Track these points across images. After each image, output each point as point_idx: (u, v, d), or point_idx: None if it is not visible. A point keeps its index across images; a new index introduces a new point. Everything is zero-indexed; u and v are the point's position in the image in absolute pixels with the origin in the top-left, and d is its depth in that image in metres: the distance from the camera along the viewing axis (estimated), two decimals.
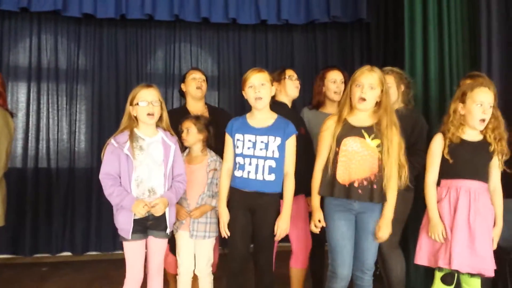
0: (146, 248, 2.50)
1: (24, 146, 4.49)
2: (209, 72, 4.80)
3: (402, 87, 3.02)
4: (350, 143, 2.41)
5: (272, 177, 2.51)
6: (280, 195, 2.56)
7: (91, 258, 4.51)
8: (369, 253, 2.44)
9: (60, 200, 4.52)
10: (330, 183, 2.42)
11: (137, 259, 2.46)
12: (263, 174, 2.50)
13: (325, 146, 2.47)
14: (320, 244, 3.02)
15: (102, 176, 2.42)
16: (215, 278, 2.85)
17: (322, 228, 2.47)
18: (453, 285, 2.50)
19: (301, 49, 5.08)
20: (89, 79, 4.70)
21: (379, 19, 4.76)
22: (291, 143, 2.56)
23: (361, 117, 2.47)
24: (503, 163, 2.50)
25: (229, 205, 2.57)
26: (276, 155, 2.51)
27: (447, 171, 2.51)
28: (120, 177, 2.42)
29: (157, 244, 2.50)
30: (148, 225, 2.46)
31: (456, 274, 2.47)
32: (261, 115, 2.59)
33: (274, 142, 2.52)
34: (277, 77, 3.03)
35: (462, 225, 2.41)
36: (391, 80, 2.96)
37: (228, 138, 2.62)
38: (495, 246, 2.47)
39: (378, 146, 2.40)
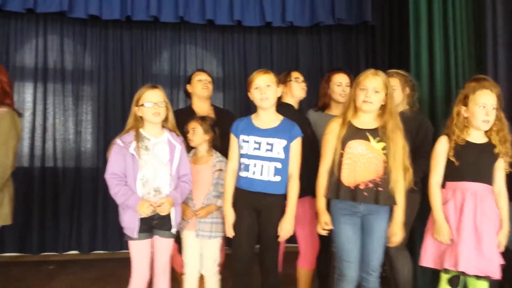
0: (152, 248, 2.52)
1: (31, 146, 4.54)
2: (214, 73, 4.82)
3: (407, 90, 3.03)
4: (355, 146, 2.42)
5: (277, 179, 2.52)
6: (285, 197, 2.57)
7: (97, 256, 4.54)
8: (375, 254, 2.44)
9: (67, 199, 4.57)
10: (335, 186, 2.43)
11: (142, 258, 2.47)
12: (268, 175, 2.51)
13: (329, 148, 2.47)
14: (326, 246, 3.03)
15: (108, 176, 2.45)
16: (222, 278, 2.86)
17: (329, 230, 2.48)
18: None
19: (306, 51, 5.10)
20: (95, 80, 4.74)
21: (384, 21, 4.76)
22: (296, 145, 2.57)
23: (366, 119, 2.48)
24: (508, 165, 2.50)
25: (234, 205, 2.58)
26: (282, 156, 2.53)
27: (452, 174, 2.51)
28: (126, 177, 2.44)
29: (163, 244, 2.52)
30: (153, 225, 2.48)
31: (462, 277, 2.47)
32: (267, 116, 2.60)
33: (280, 143, 2.53)
34: (283, 79, 3.05)
35: (468, 226, 2.40)
36: (396, 83, 2.97)
37: (233, 138, 2.63)
38: (502, 249, 2.45)
39: (383, 149, 2.41)
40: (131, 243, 2.47)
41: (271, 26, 4.78)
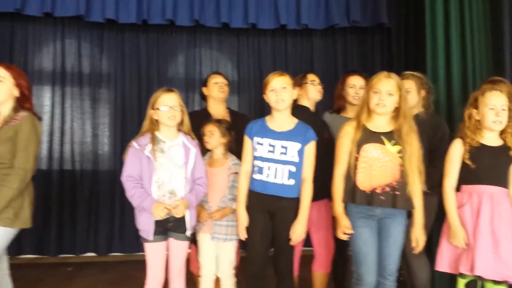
0: (167, 250, 2.54)
1: (49, 149, 4.60)
2: (229, 76, 4.82)
3: (423, 92, 3.00)
4: (370, 149, 2.41)
5: (291, 182, 2.52)
6: (299, 200, 2.56)
7: (114, 259, 4.58)
8: (391, 258, 2.42)
9: (84, 202, 4.62)
10: (351, 190, 2.41)
11: (158, 260, 2.49)
12: (282, 178, 2.51)
13: (344, 152, 2.46)
14: (342, 249, 3.02)
15: (124, 178, 2.47)
16: (237, 281, 2.86)
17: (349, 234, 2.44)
18: None
19: (321, 54, 5.08)
20: (112, 83, 4.79)
21: (399, 23, 4.72)
22: (310, 149, 2.56)
23: (380, 122, 2.47)
24: None
25: (248, 208, 2.58)
26: (296, 159, 2.52)
27: (468, 177, 2.49)
28: (141, 179, 2.46)
29: (178, 246, 2.53)
30: (168, 227, 2.49)
31: (479, 281, 2.44)
32: (281, 119, 2.60)
33: (294, 147, 2.52)
34: (299, 81, 3.05)
35: (485, 230, 2.38)
36: (411, 85, 2.94)
37: (247, 140, 2.62)
38: None
39: (399, 152, 2.40)
40: (146, 245, 2.50)
41: (285, 28, 4.77)
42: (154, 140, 2.49)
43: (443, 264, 2.54)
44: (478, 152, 2.46)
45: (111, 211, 4.65)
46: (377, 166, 2.39)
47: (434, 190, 2.73)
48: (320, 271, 3.02)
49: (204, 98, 3.51)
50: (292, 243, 2.54)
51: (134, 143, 2.51)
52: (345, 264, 3.09)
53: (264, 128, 2.60)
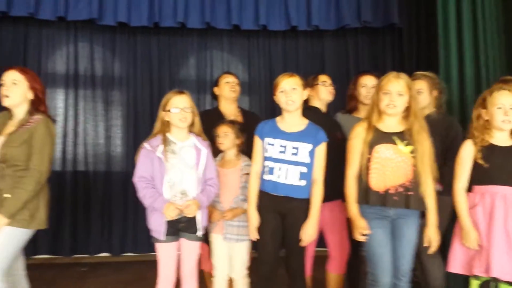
0: (179, 250, 2.55)
1: (63, 150, 4.66)
2: (240, 78, 4.81)
3: (435, 92, 2.99)
4: (382, 150, 2.40)
5: (302, 183, 2.51)
6: (309, 201, 2.55)
7: (128, 259, 4.63)
8: (405, 259, 2.41)
9: (98, 202, 4.66)
10: (364, 191, 2.40)
11: (169, 260, 2.51)
12: (293, 179, 2.51)
13: (356, 153, 2.45)
14: (356, 250, 3.00)
15: (136, 179, 2.50)
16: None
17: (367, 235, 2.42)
18: None
19: (332, 54, 5.08)
20: (124, 86, 4.84)
21: (411, 23, 4.70)
22: (321, 150, 2.56)
23: (391, 123, 2.46)
24: None
25: (259, 208, 2.58)
26: (307, 160, 2.52)
27: (480, 177, 2.47)
28: (153, 180, 2.48)
29: (189, 247, 2.54)
30: (180, 227, 2.51)
31: (493, 282, 2.43)
32: (292, 120, 2.60)
33: (305, 148, 2.52)
34: (310, 82, 3.05)
35: (499, 231, 2.36)
36: (423, 85, 2.93)
37: (257, 140, 2.62)
38: None
39: (411, 152, 2.39)
40: (158, 245, 2.52)
41: (296, 30, 4.77)
42: (165, 142, 2.52)
43: (455, 265, 2.52)
44: (489, 152, 2.44)
45: (124, 211, 4.69)
46: (390, 167, 2.38)
47: (448, 190, 2.72)
48: (334, 272, 3.01)
49: (215, 97, 3.52)
50: (303, 244, 2.54)
51: (146, 145, 2.53)
52: (359, 265, 3.08)
53: (275, 128, 2.59)
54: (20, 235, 2.45)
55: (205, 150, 2.59)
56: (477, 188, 2.49)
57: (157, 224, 2.48)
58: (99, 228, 4.66)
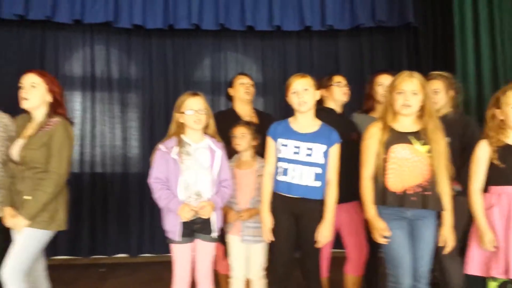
0: (194, 251, 2.57)
1: (81, 152, 4.71)
2: (254, 79, 4.82)
3: (451, 92, 2.96)
4: (399, 150, 2.38)
5: (317, 184, 2.50)
6: (323, 202, 2.54)
7: (145, 259, 4.66)
8: (423, 261, 2.39)
9: (115, 203, 4.71)
10: (381, 192, 2.38)
11: (184, 261, 2.52)
12: (308, 180, 2.50)
13: (371, 153, 2.43)
14: (374, 252, 2.98)
15: (151, 180, 2.53)
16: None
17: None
18: None
19: (346, 55, 5.05)
20: (140, 88, 4.88)
21: (426, 22, 4.65)
22: (335, 152, 2.55)
23: (406, 123, 2.44)
24: None
25: (272, 210, 2.57)
26: (322, 161, 2.51)
27: (496, 178, 2.44)
28: (168, 181, 2.50)
29: (204, 248, 2.56)
30: (194, 228, 2.52)
31: (510, 284, 2.40)
32: (305, 120, 2.59)
33: (320, 148, 2.51)
34: (324, 83, 3.05)
35: None
36: (439, 85, 2.91)
37: (270, 142, 2.62)
38: None
39: (428, 151, 2.37)
40: (173, 246, 2.54)
41: (310, 30, 4.76)
42: (180, 143, 2.54)
43: (473, 267, 2.50)
44: (505, 153, 2.41)
45: (141, 212, 4.73)
46: (407, 167, 2.36)
47: (467, 190, 2.69)
48: (352, 273, 2.99)
49: (230, 99, 3.53)
50: (318, 245, 2.54)
51: (161, 146, 2.56)
52: (377, 267, 3.06)
53: (288, 129, 2.59)
54: (40, 236, 2.49)
55: (219, 151, 2.60)
56: (494, 189, 2.46)
57: (172, 225, 2.50)
58: (116, 229, 4.70)
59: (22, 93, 2.58)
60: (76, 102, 4.79)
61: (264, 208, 2.58)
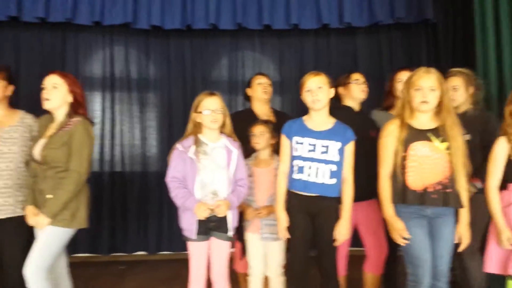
0: (209, 250, 2.58)
1: (100, 152, 4.76)
2: (272, 78, 4.83)
3: (471, 89, 2.92)
4: (419, 148, 2.36)
5: (333, 181, 2.50)
6: (338, 200, 2.54)
7: (164, 257, 4.70)
8: (443, 259, 2.37)
9: (134, 202, 4.75)
10: (401, 190, 2.36)
11: (200, 258, 2.55)
12: (323, 178, 2.49)
13: (389, 151, 2.41)
14: (393, 250, 2.96)
15: (168, 179, 2.56)
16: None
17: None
18: None
19: (365, 52, 4.99)
20: (158, 88, 4.91)
21: (447, 19, 4.57)
22: (350, 149, 2.55)
23: (424, 120, 2.41)
24: None
25: (288, 208, 2.57)
26: (337, 158, 2.51)
27: None
28: (185, 180, 2.53)
29: (220, 246, 2.57)
30: (210, 227, 2.54)
31: None
32: (319, 118, 2.59)
33: (335, 146, 2.51)
34: (343, 81, 3.04)
35: None
36: (459, 82, 2.88)
37: (285, 140, 2.62)
38: None
39: (447, 148, 2.34)
40: (189, 244, 2.57)
41: (328, 28, 4.73)
42: (197, 142, 2.56)
43: (491, 265, 2.47)
44: None
45: (160, 210, 4.76)
46: (427, 164, 2.34)
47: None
48: (371, 272, 2.98)
49: (247, 98, 3.55)
50: (336, 244, 2.53)
51: (178, 145, 2.58)
52: (396, 265, 3.04)
53: (303, 127, 2.59)
54: (62, 234, 2.54)
55: (236, 151, 2.61)
56: None
57: (188, 223, 2.53)
58: (135, 227, 4.75)
59: (44, 94, 2.63)
60: (96, 103, 4.85)
61: (279, 206, 2.58)
